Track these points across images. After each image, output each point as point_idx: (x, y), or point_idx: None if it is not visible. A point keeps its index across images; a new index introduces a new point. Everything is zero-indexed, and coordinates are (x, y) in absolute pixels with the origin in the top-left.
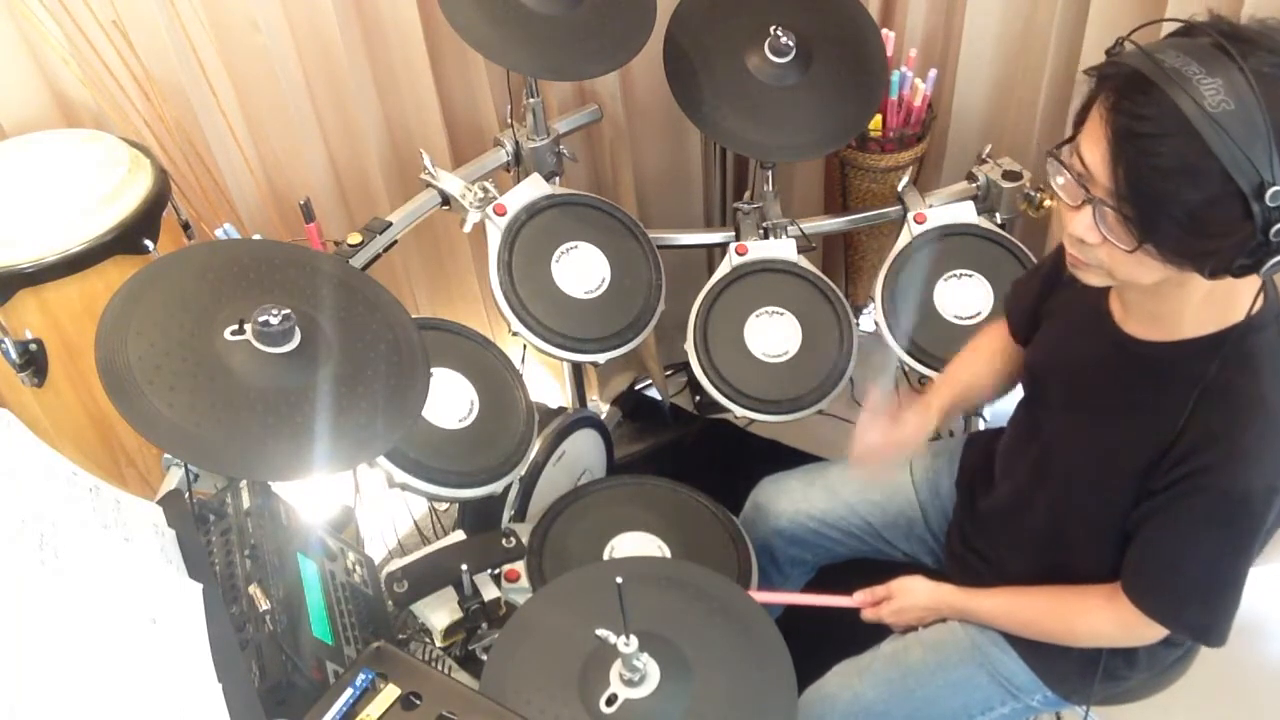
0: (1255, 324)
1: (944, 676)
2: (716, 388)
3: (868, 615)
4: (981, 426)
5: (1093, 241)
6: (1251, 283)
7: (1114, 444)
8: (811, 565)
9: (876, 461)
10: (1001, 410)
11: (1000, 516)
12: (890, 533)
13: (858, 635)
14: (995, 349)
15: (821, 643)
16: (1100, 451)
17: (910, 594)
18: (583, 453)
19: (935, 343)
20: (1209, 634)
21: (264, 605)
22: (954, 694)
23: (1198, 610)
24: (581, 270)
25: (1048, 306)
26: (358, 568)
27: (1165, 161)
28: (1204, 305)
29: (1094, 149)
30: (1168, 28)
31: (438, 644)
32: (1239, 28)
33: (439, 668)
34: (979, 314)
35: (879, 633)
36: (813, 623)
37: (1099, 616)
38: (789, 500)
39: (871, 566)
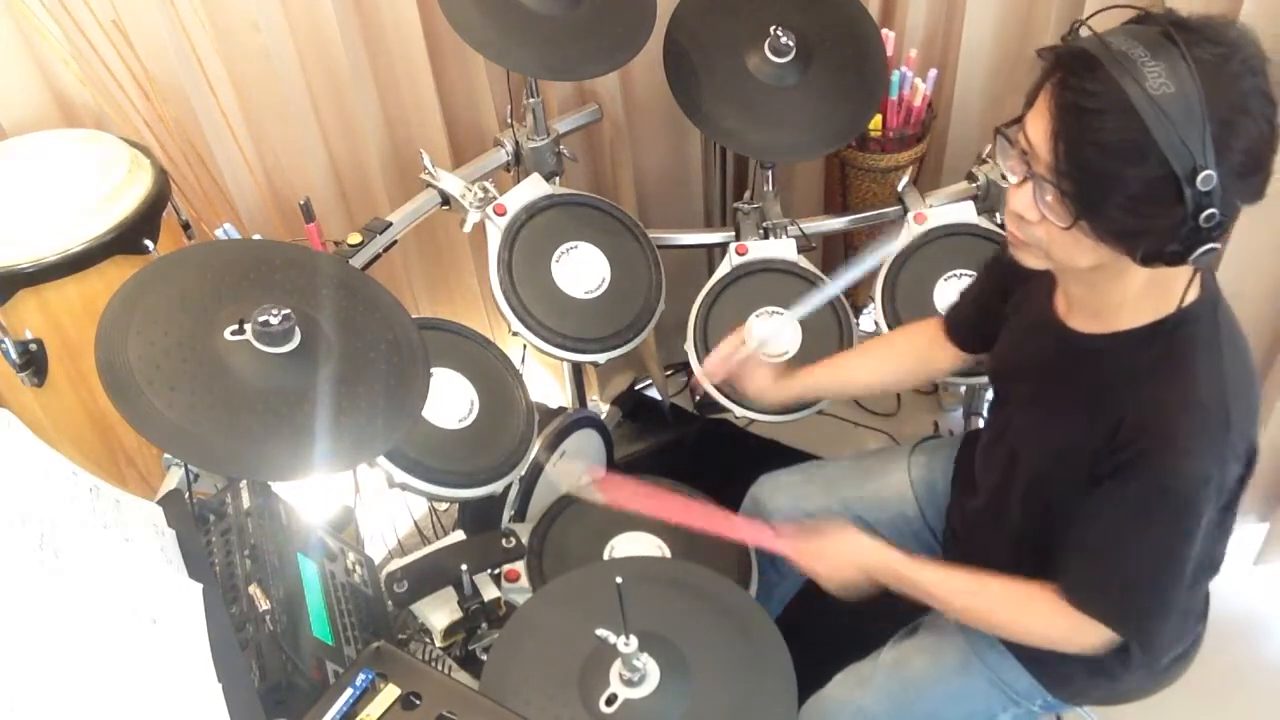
0: (1189, 314)
1: (945, 686)
2: (716, 388)
3: (782, 548)
4: (981, 425)
5: (1031, 219)
6: (1188, 274)
7: (1069, 439)
8: None
9: (717, 376)
10: None
11: (983, 516)
12: (887, 530)
13: (858, 637)
14: (912, 348)
15: (822, 643)
16: (1058, 447)
17: (844, 540)
18: (583, 453)
19: None
20: (1145, 633)
21: (264, 605)
22: (956, 703)
23: (1133, 608)
24: (581, 270)
25: (1007, 308)
26: (358, 568)
27: (1105, 137)
28: (1141, 297)
29: (1038, 125)
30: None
31: (438, 644)
32: (1187, 19)
33: (439, 668)
34: None
35: (879, 636)
36: (813, 624)
37: (1049, 614)
38: (786, 496)
39: None
